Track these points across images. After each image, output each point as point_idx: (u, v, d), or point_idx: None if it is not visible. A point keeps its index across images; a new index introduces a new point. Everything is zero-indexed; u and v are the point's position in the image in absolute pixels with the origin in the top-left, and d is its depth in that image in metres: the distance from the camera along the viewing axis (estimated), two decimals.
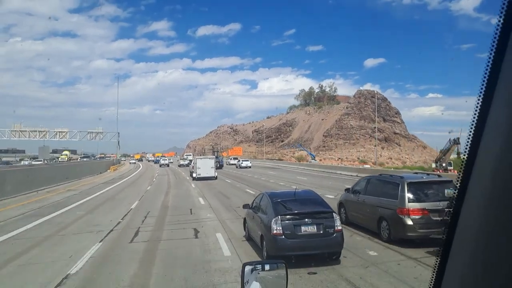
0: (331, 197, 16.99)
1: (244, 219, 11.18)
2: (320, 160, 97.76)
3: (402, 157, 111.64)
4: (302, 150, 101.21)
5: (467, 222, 1.09)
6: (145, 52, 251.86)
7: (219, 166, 48.18)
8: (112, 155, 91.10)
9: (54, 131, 73.49)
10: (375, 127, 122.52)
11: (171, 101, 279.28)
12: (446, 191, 9.26)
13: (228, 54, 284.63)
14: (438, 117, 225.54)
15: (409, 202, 9.46)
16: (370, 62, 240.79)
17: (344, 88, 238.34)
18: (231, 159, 78.15)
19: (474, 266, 1.03)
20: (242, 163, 62.23)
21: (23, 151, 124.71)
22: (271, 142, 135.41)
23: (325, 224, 8.20)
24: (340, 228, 8.42)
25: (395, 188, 10.01)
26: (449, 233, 1.16)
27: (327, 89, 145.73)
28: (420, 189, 9.94)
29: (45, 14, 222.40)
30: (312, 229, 8.16)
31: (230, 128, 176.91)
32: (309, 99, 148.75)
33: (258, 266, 2.22)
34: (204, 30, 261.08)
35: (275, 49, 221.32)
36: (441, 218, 8.99)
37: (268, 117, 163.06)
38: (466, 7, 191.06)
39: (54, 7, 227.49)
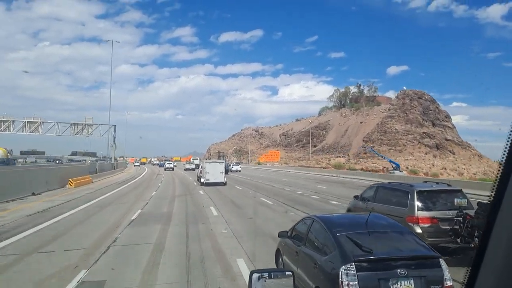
0: None
1: (277, 251, 7.89)
2: (362, 169, 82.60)
3: (458, 167, 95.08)
4: (379, 157, 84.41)
5: (502, 229, 1.14)
6: (169, 57, 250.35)
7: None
8: (105, 157, 79.16)
9: (23, 121, 57.34)
10: (424, 132, 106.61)
11: (193, 106, 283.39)
12: (455, 200, 9.13)
13: (250, 60, 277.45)
14: (463, 127, 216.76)
15: (418, 210, 9.44)
16: (393, 70, 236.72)
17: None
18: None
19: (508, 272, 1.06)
20: (232, 167, 61.35)
21: (43, 153, 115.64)
22: (302, 147, 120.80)
23: (429, 278, 4.94)
24: (451, 284, 5.04)
25: (404, 196, 9.96)
26: (483, 241, 1.22)
27: (366, 89, 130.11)
28: (430, 197, 9.82)
29: (73, 19, 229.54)
30: (408, 286, 4.81)
31: (255, 131, 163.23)
32: (345, 100, 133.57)
33: (265, 274, 2.20)
34: (226, 37, 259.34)
35: (296, 55, 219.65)
36: (450, 227, 8.95)
37: (297, 120, 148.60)
38: (493, 15, 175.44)
39: (81, 12, 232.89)
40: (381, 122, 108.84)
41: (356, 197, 12.65)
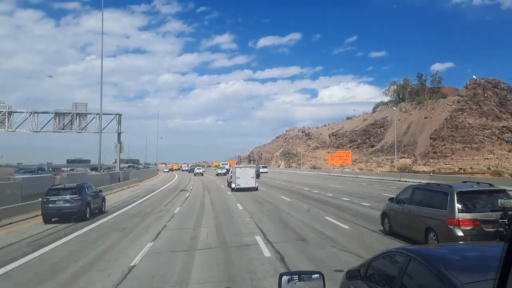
0: None
1: None
2: (433, 170, 69.68)
3: None
4: None
5: None
6: (208, 65, 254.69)
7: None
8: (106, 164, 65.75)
9: None
10: (503, 127, 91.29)
11: (233, 112, 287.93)
12: (499, 201, 8.63)
13: (288, 64, 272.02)
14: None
15: (459, 212, 9.10)
16: (437, 67, 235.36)
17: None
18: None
19: None
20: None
21: (89, 161, 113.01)
22: (357, 147, 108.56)
23: None
24: None
25: (443, 197, 9.61)
26: None
27: (429, 80, 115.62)
28: (471, 198, 9.47)
29: (118, 32, 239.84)
30: None
31: (302, 132, 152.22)
32: (403, 93, 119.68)
33: (294, 276, 2.19)
34: (264, 41, 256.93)
35: (336, 57, 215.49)
36: (495, 230, 8.56)
37: (348, 118, 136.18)
38: None
39: (125, 25, 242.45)
40: (450, 116, 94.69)
41: (391, 199, 12.15)
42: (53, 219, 16.22)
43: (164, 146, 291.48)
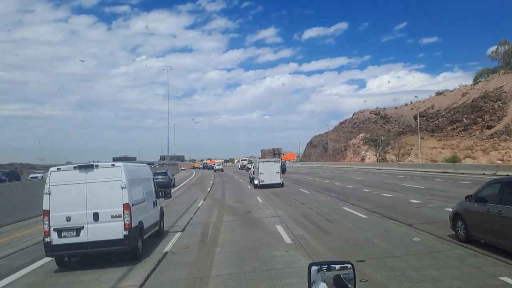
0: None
1: None
2: None
3: None
4: None
5: None
6: (254, 60, 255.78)
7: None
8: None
9: None
10: None
11: (279, 106, 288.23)
12: None
13: (335, 54, 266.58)
14: None
15: None
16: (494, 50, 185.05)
17: (463, 80, 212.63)
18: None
19: None
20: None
21: (134, 158, 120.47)
22: (464, 129, 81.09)
23: None
24: None
25: None
26: None
27: None
28: None
29: (165, 32, 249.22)
30: None
31: (375, 114, 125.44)
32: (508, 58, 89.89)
33: (324, 266, 2.20)
34: (310, 33, 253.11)
35: (384, 45, 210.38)
36: None
37: (438, 93, 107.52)
38: None
39: (172, 25, 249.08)
40: None
41: (468, 197, 9.71)
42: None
43: (211, 142, 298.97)
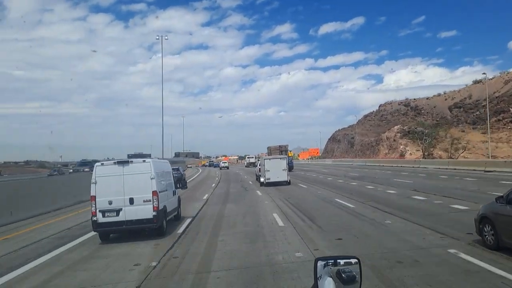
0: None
1: None
2: None
3: None
4: None
5: None
6: (269, 56, 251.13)
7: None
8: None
9: None
10: None
11: (295, 102, 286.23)
12: None
13: (352, 49, 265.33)
14: None
15: None
16: None
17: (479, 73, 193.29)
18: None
19: None
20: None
21: (149, 155, 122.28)
22: None
23: None
24: None
25: None
26: None
27: None
28: None
29: (182, 30, 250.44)
30: None
31: (404, 106, 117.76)
32: None
33: (330, 261, 2.21)
34: (326, 28, 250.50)
35: (402, 39, 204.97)
36: None
37: (476, 82, 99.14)
38: None
39: (188, 23, 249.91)
40: None
41: (499, 199, 8.82)
42: None
43: (227, 139, 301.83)
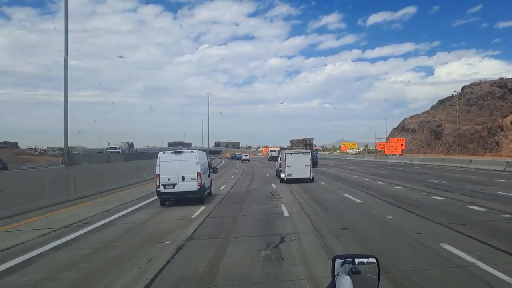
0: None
1: None
2: None
3: None
4: None
5: None
6: (315, 47, 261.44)
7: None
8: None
9: None
10: None
11: (339, 94, 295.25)
12: None
13: (401, 40, 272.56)
14: None
15: None
16: None
17: None
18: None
19: None
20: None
21: (190, 144, 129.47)
22: None
23: None
24: None
25: None
26: None
27: None
28: None
29: (228, 20, 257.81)
30: None
31: (498, 87, 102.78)
32: None
33: (348, 259, 2.21)
34: (375, 18, 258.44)
35: (456, 29, 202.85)
36: None
37: None
38: None
39: (235, 13, 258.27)
40: None
41: None
42: None
43: (270, 130, 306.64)
